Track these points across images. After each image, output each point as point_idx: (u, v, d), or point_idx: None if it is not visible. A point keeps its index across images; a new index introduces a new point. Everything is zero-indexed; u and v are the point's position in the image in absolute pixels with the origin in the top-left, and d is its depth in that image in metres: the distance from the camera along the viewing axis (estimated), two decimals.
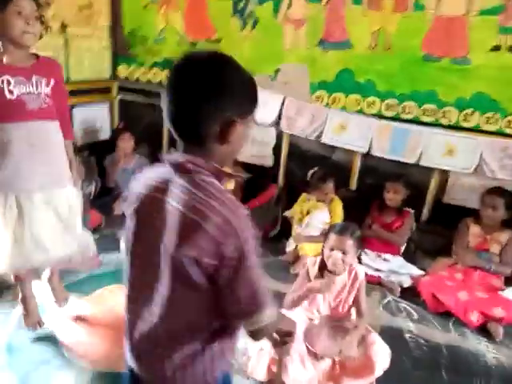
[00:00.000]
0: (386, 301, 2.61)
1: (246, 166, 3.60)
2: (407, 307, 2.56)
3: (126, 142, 3.45)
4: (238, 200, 3.11)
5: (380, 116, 3.02)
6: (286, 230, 3.21)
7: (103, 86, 3.84)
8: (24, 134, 1.73)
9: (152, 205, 0.91)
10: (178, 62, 0.88)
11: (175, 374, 0.94)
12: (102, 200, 3.55)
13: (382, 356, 1.90)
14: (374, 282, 2.75)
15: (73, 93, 3.41)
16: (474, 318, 2.36)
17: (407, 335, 2.30)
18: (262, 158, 3.56)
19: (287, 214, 3.20)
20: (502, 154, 2.71)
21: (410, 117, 2.94)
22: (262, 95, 2.91)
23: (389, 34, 2.85)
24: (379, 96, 3.00)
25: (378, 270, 2.80)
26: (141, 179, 0.98)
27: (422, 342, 2.25)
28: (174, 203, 0.86)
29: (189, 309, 0.91)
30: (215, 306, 0.90)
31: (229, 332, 0.97)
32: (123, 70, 3.84)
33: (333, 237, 2.01)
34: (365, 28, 2.90)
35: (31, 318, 2.11)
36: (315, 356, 1.91)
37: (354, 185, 3.27)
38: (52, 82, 1.81)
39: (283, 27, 3.14)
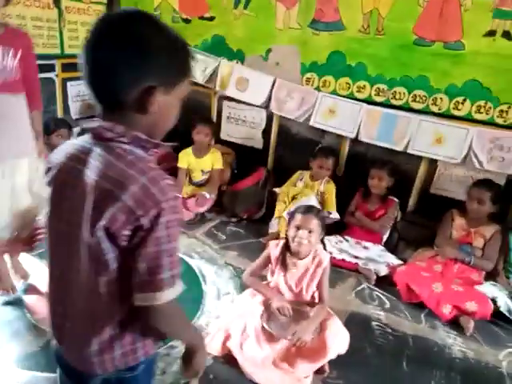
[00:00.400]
0: (360, 288, 2.58)
1: (236, 147, 3.60)
2: (381, 296, 2.53)
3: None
4: (227, 179, 3.13)
5: (370, 101, 2.94)
6: (271, 213, 3.20)
7: None
8: None
9: (69, 175, 0.85)
10: (97, 20, 0.79)
11: (94, 359, 0.89)
12: None
13: (337, 341, 1.89)
14: (351, 269, 2.73)
15: (67, 66, 3.46)
16: (447, 310, 2.31)
17: (375, 323, 2.27)
18: (251, 139, 3.53)
19: (276, 189, 3.17)
20: (492, 144, 2.61)
21: (399, 103, 2.86)
22: (253, 76, 2.92)
23: (381, 17, 2.75)
24: (370, 80, 2.92)
25: (356, 257, 2.76)
26: (63, 148, 0.90)
27: (389, 330, 2.22)
28: (90, 173, 0.80)
29: (103, 290, 0.84)
30: (129, 287, 0.83)
31: None
32: None
33: (298, 216, 1.99)
34: (357, 9, 2.81)
35: (3, 284, 2.16)
36: (271, 336, 1.90)
37: (341, 171, 3.22)
38: (19, 53, 1.81)
39: (275, 6, 3.07)
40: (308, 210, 2.02)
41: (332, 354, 1.85)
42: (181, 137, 3.39)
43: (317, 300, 2.07)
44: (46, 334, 1.91)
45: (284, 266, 2.05)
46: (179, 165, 3.35)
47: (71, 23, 3.45)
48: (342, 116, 3.00)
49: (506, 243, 2.61)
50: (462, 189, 2.75)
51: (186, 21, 3.45)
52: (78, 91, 3.68)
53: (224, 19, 3.28)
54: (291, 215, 2.05)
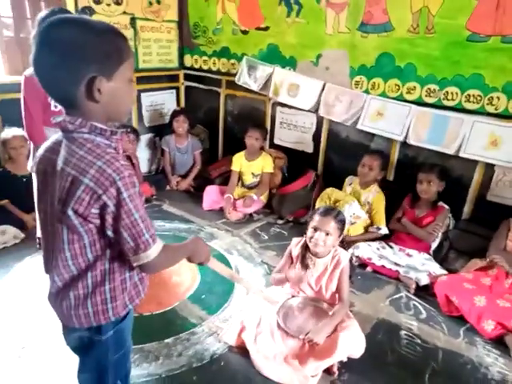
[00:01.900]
0: (397, 296, 2.47)
1: (288, 151, 3.68)
2: (418, 305, 2.39)
3: (181, 124, 3.77)
4: (278, 182, 3.27)
5: (420, 103, 2.81)
6: None
7: (172, 74, 4.23)
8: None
9: (47, 165, 0.99)
10: (33, 36, 0.93)
11: (72, 313, 1.06)
12: (157, 176, 3.98)
13: (349, 343, 1.87)
14: (391, 277, 2.62)
15: (141, 79, 3.88)
16: (489, 327, 2.11)
17: (403, 332, 2.16)
18: (302, 144, 3.58)
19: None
20: None
21: (452, 104, 2.69)
22: (303, 81, 3.03)
23: (431, 14, 2.63)
24: (420, 81, 2.79)
25: (397, 264, 2.65)
26: (45, 143, 1.05)
27: (418, 341, 2.10)
28: (59, 161, 0.94)
29: (79, 257, 1.01)
30: (102, 247, 1.01)
31: (118, 272, 1.06)
32: (188, 60, 4.18)
33: (316, 217, 2.02)
34: (406, 9, 2.71)
35: None
36: (285, 332, 1.95)
37: (391, 175, 3.11)
38: None
39: (325, 12, 3.10)
40: (327, 211, 2.03)
41: (340, 355, 1.83)
42: (238, 142, 3.62)
43: (337, 301, 2.07)
44: None
45: (304, 264, 2.08)
46: (232, 167, 3.54)
47: (145, 40, 3.87)
48: (390, 118, 2.91)
49: None
50: None
51: (244, 32, 3.65)
52: (151, 101, 4.10)
53: (278, 28, 3.40)
54: (311, 215, 2.08)
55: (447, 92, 2.69)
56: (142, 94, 3.98)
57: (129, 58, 0.96)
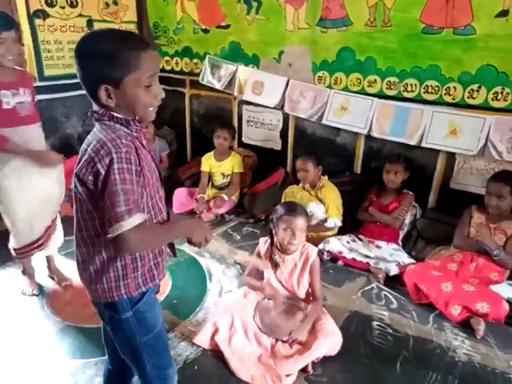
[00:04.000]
0: (368, 287, 2.51)
1: (256, 150, 3.67)
2: (389, 296, 2.44)
3: (148, 128, 3.70)
4: (249, 182, 3.23)
5: (382, 95, 2.85)
6: None
7: None
8: (18, 135, 2.11)
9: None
10: None
11: (91, 286, 1.17)
12: None
13: (327, 342, 1.88)
14: (362, 269, 2.66)
15: None
16: (456, 311, 2.17)
17: (376, 323, 2.20)
18: (271, 141, 3.58)
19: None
20: None
21: (411, 95, 2.74)
22: (267, 78, 3.01)
23: (387, 8, 2.67)
24: (380, 74, 2.83)
25: (367, 256, 2.69)
26: None
27: (390, 331, 2.14)
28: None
29: (90, 227, 1.12)
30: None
31: None
32: None
33: (286, 218, 2.02)
34: (362, 3, 2.74)
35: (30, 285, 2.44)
36: (262, 332, 1.95)
37: (358, 168, 3.15)
38: (30, 90, 2.19)
39: (284, 8, 3.10)
40: (294, 210, 2.03)
41: (318, 353, 1.84)
42: (206, 142, 3.58)
43: (311, 297, 2.08)
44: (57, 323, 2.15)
45: (273, 261, 2.09)
46: (201, 168, 3.51)
47: None
48: (354, 112, 2.95)
49: None
50: (483, 182, 2.56)
51: (205, 31, 3.61)
52: None
53: (238, 26, 3.38)
54: (276, 213, 2.08)
55: (407, 84, 2.75)
56: None
57: (139, 68, 1.05)
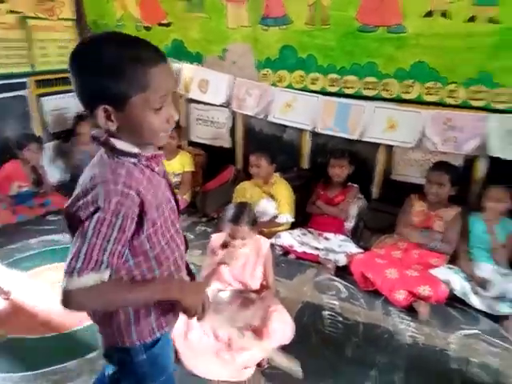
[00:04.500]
0: (318, 278, 2.59)
1: (206, 148, 3.66)
2: (339, 285, 2.53)
3: (84, 128, 3.56)
4: (199, 181, 3.16)
5: (325, 92, 2.94)
6: None
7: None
8: None
9: None
10: None
11: (101, 330, 1.06)
12: (72, 183, 3.74)
13: (280, 331, 1.92)
14: (313, 261, 2.74)
15: (40, 83, 3.60)
16: (401, 296, 2.29)
17: (327, 312, 2.28)
18: (220, 139, 3.58)
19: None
20: (445, 125, 2.58)
21: (352, 91, 2.85)
22: (211, 76, 2.93)
23: (324, 7, 2.75)
24: (322, 71, 2.92)
25: (317, 248, 2.77)
26: None
27: (341, 319, 2.23)
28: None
29: None
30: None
31: None
32: None
33: (229, 225, 2.01)
34: (302, 2, 2.81)
35: None
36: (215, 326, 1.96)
37: (305, 164, 3.23)
38: None
39: (226, 6, 3.11)
40: (237, 218, 2.00)
41: (272, 343, 1.87)
42: None
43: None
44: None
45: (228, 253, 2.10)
46: None
47: (40, 41, 3.58)
48: (298, 109, 3.01)
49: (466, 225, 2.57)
50: (422, 173, 2.72)
51: (147, 28, 3.53)
52: (54, 106, 3.81)
53: (180, 23, 3.34)
54: (223, 216, 2.08)
55: (347, 80, 2.85)
56: (43, 99, 3.69)
57: (148, 87, 0.88)
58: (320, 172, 3.07)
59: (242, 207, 2.07)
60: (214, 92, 3.27)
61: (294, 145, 3.23)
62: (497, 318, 2.22)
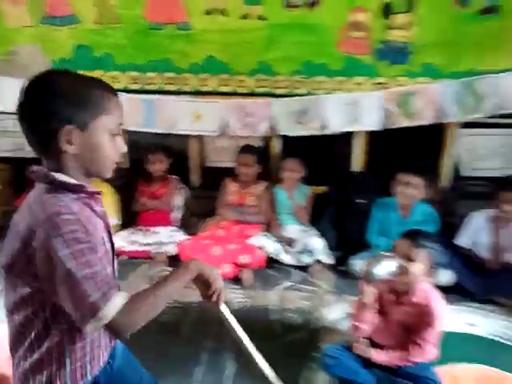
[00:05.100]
0: (152, 272, 2.64)
1: (10, 160, 3.30)
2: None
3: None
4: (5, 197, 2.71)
5: (128, 90, 2.95)
6: None
7: None
8: None
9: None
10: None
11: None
12: None
13: None
14: (145, 257, 2.77)
15: None
16: (227, 269, 2.53)
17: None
18: (21, 150, 3.25)
19: None
20: (242, 113, 2.88)
21: (154, 87, 2.94)
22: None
23: (111, 6, 2.75)
24: (121, 69, 2.93)
25: (149, 244, 2.81)
26: None
27: (176, 305, 2.33)
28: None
29: (20, 313, 0.91)
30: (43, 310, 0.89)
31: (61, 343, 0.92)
32: None
33: None
34: (86, 0, 2.75)
35: None
36: None
37: (126, 163, 3.20)
38: None
39: (1, 4, 2.82)
40: None
41: None
42: None
43: None
44: None
45: None
46: None
47: None
48: None
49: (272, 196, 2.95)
50: (232, 157, 2.99)
51: None
52: None
53: None
54: None
55: (147, 77, 2.92)
56: None
57: (110, 112, 0.91)
58: (139, 169, 3.09)
59: None
60: (2, 98, 2.94)
61: None
62: (306, 268, 2.66)
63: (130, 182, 3.15)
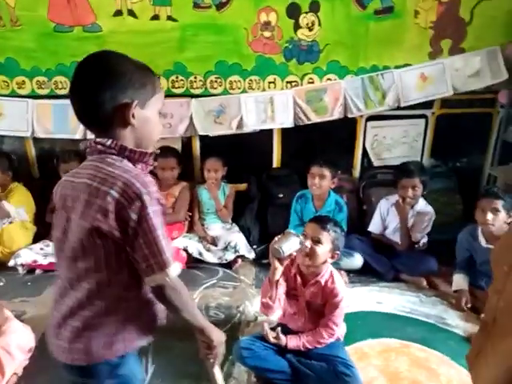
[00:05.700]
0: None
1: None
2: None
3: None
4: None
5: (36, 95, 2.82)
6: None
7: None
8: None
9: (67, 188, 0.99)
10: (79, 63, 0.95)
11: (68, 346, 0.98)
12: None
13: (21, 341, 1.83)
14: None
15: None
16: None
17: None
18: None
19: None
20: (161, 114, 2.84)
21: (64, 92, 2.83)
22: None
23: (10, 7, 2.61)
24: (27, 74, 2.78)
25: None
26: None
27: None
28: (83, 180, 0.94)
29: (88, 273, 0.95)
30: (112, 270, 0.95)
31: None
32: None
33: None
34: None
35: None
36: None
37: (36, 173, 3.06)
38: None
39: None
40: None
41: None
42: None
43: None
44: None
45: None
46: None
47: None
48: (12, 117, 2.80)
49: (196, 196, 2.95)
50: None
51: None
52: None
53: None
54: None
55: (57, 81, 2.80)
56: None
57: (160, 91, 1.01)
58: (51, 177, 2.95)
59: None
60: None
61: (18, 155, 2.98)
62: (229, 265, 2.68)
63: (42, 191, 2.99)
